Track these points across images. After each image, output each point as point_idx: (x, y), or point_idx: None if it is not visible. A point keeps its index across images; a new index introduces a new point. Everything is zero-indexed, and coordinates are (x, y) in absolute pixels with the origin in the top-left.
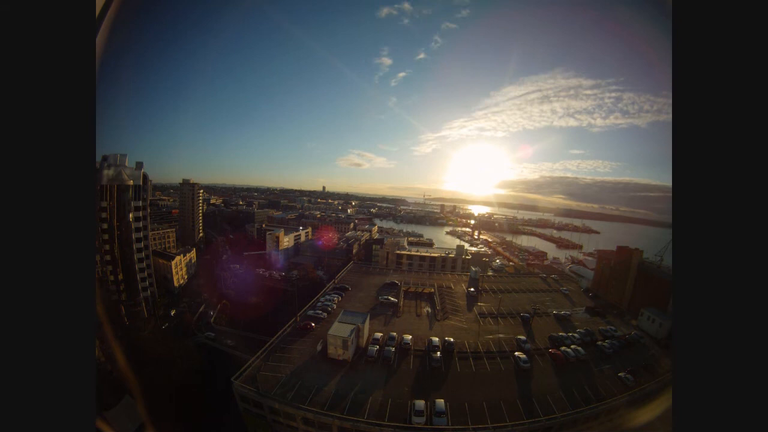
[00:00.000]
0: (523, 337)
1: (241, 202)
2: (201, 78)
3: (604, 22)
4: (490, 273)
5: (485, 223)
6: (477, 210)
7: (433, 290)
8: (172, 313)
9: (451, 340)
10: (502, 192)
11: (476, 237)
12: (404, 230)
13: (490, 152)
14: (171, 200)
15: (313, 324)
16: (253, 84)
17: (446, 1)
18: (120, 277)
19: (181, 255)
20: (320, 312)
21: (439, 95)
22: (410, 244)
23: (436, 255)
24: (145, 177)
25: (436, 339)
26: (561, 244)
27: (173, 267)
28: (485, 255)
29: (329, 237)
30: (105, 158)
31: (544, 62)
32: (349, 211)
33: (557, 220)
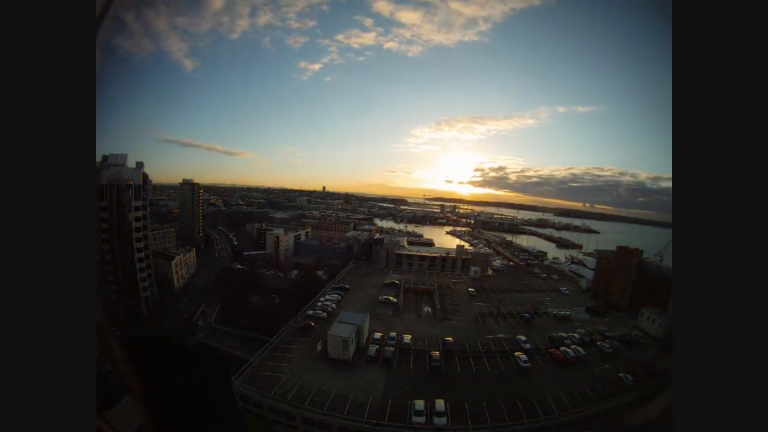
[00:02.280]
0: (523, 337)
1: (241, 202)
2: (201, 77)
3: (603, 21)
4: (490, 273)
5: (485, 223)
6: (477, 210)
7: (433, 290)
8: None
9: (451, 340)
10: (500, 193)
11: (476, 237)
12: (404, 230)
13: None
14: (170, 199)
15: (313, 324)
16: (253, 82)
17: None
18: (120, 277)
19: (182, 255)
20: (320, 312)
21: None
22: (410, 244)
23: (436, 255)
24: (145, 177)
25: (436, 339)
26: (561, 244)
27: (173, 267)
28: (485, 255)
29: (329, 237)
30: (105, 158)
31: (536, 58)
32: (349, 210)
33: (557, 219)
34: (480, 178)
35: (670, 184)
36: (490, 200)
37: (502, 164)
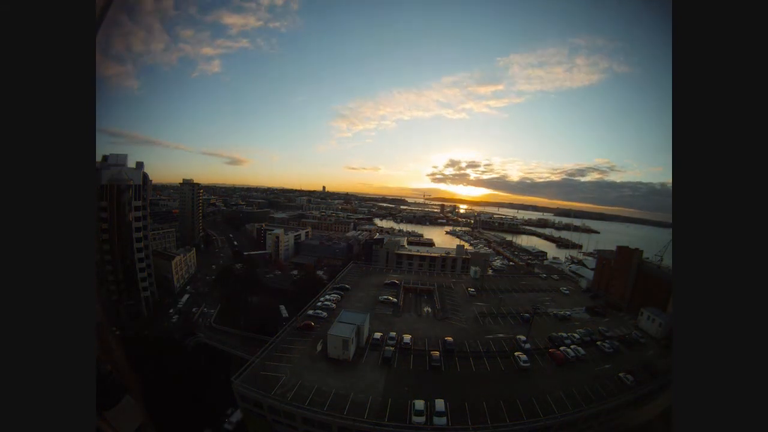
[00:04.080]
0: (523, 337)
1: (241, 202)
2: (201, 77)
3: (603, 19)
4: (490, 273)
5: (485, 223)
6: (477, 210)
7: (433, 290)
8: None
9: (451, 339)
10: (495, 192)
11: (476, 236)
12: (404, 230)
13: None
14: (170, 199)
15: (313, 324)
16: (253, 82)
17: None
18: (120, 277)
19: (181, 255)
20: (320, 312)
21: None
22: (410, 244)
23: (436, 255)
24: (145, 177)
25: (436, 339)
26: (561, 244)
27: (173, 267)
28: (485, 255)
29: (329, 237)
30: (105, 158)
31: (533, 56)
32: (349, 210)
33: (557, 219)
34: (437, 171)
35: (637, 179)
36: (490, 200)
37: (454, 158)
